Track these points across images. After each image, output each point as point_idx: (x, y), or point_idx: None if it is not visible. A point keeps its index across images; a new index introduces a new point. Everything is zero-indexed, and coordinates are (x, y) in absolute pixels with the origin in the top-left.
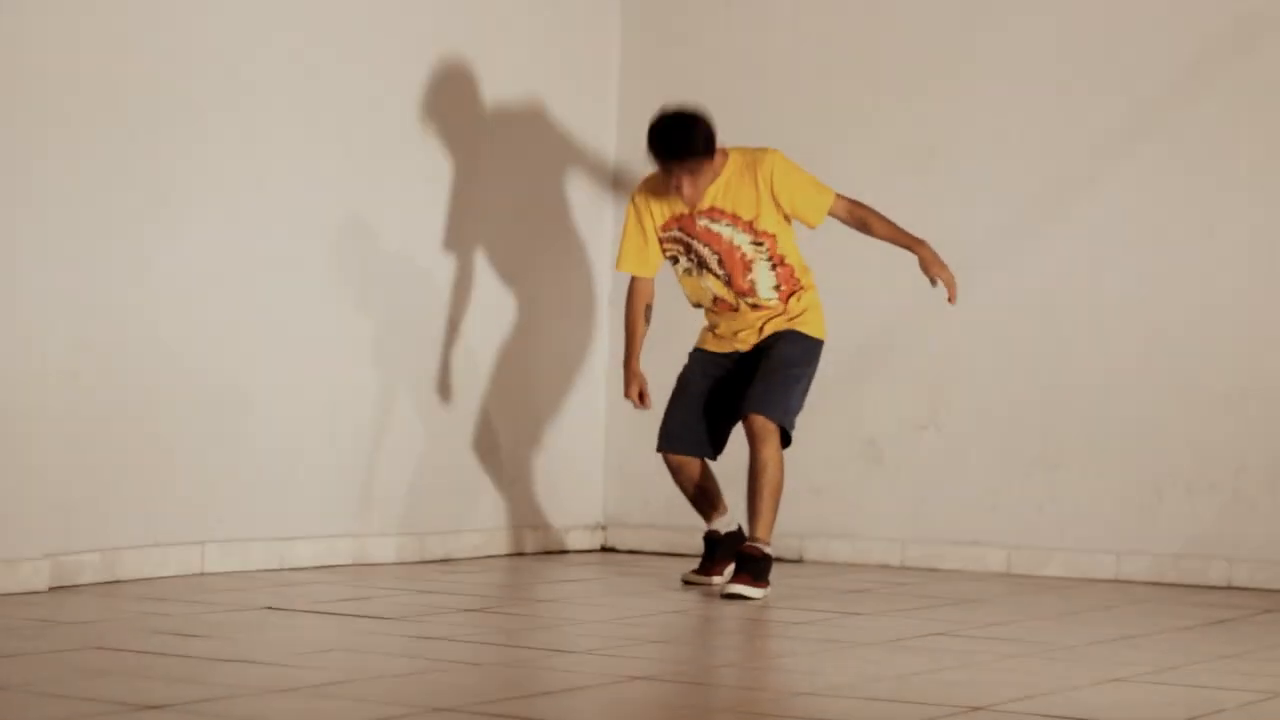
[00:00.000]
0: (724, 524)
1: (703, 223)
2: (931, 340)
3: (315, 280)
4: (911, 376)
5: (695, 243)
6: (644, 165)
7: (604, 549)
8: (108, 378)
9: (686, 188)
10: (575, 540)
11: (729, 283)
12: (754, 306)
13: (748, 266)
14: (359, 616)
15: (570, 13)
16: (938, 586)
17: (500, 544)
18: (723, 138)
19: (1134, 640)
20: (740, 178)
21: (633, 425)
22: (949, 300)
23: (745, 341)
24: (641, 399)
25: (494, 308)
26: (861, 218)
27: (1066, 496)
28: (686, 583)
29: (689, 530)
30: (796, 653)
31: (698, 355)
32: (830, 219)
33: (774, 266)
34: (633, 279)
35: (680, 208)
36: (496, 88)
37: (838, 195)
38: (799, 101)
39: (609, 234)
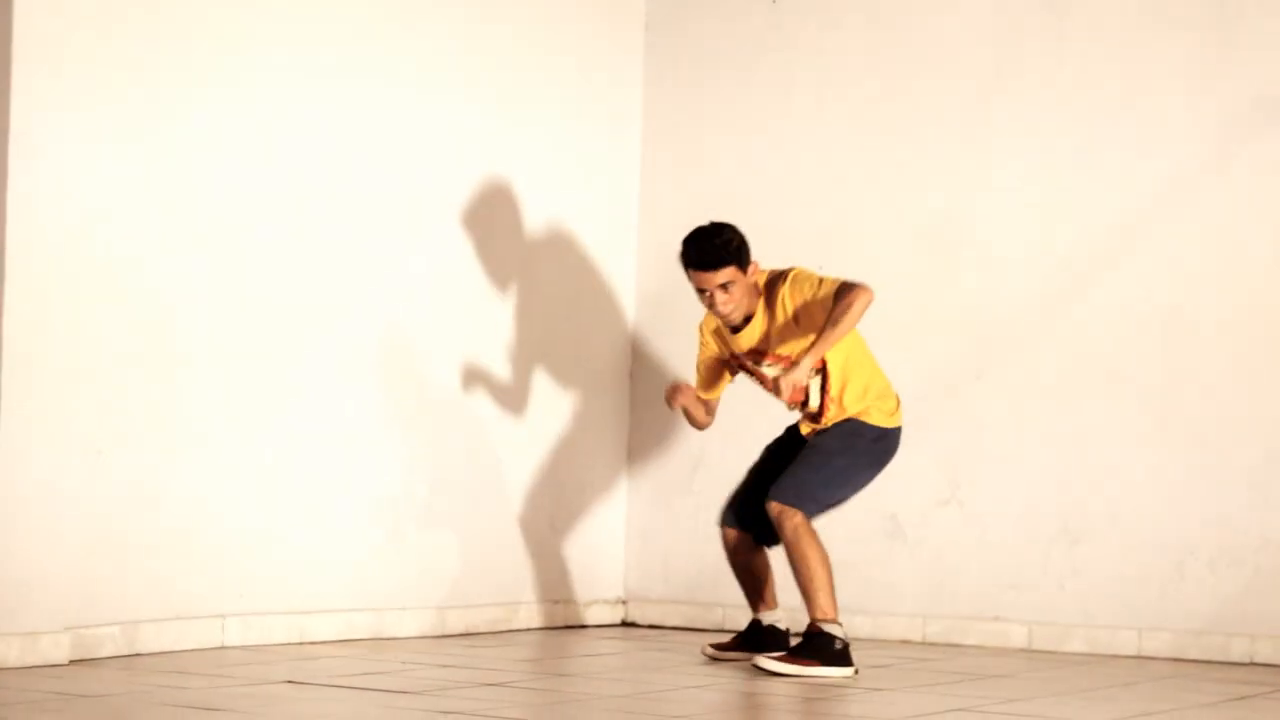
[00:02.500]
0: (770, 617)
1: (751, 361)
2: (953, 414)
3: (339, 357)
4: (933, 452)
5: (745, 373)
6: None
7: (625, 623)
8: (128, 454)
9: (718, 302)
10: (596, 615)
11: (787, 403)
12: (811, 416)
13: (778, 389)
14: (379, 691)
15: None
16: (959, 662)
17: (521, 618)
18: (752, 211)
19: (1155, 717)
20: (774, 315)
21: (654, 501)
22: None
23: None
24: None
25: (517, 385)
26: (846, 294)
27: (1088, 572)
28: (714, 656)
29: (710, 606)
30: None
31: (784, 433)
32: None
33: (816, 372)
34: None
35: (737, 345)
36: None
37: (842, 283)
38: (812, 187)
39: (631, 313)
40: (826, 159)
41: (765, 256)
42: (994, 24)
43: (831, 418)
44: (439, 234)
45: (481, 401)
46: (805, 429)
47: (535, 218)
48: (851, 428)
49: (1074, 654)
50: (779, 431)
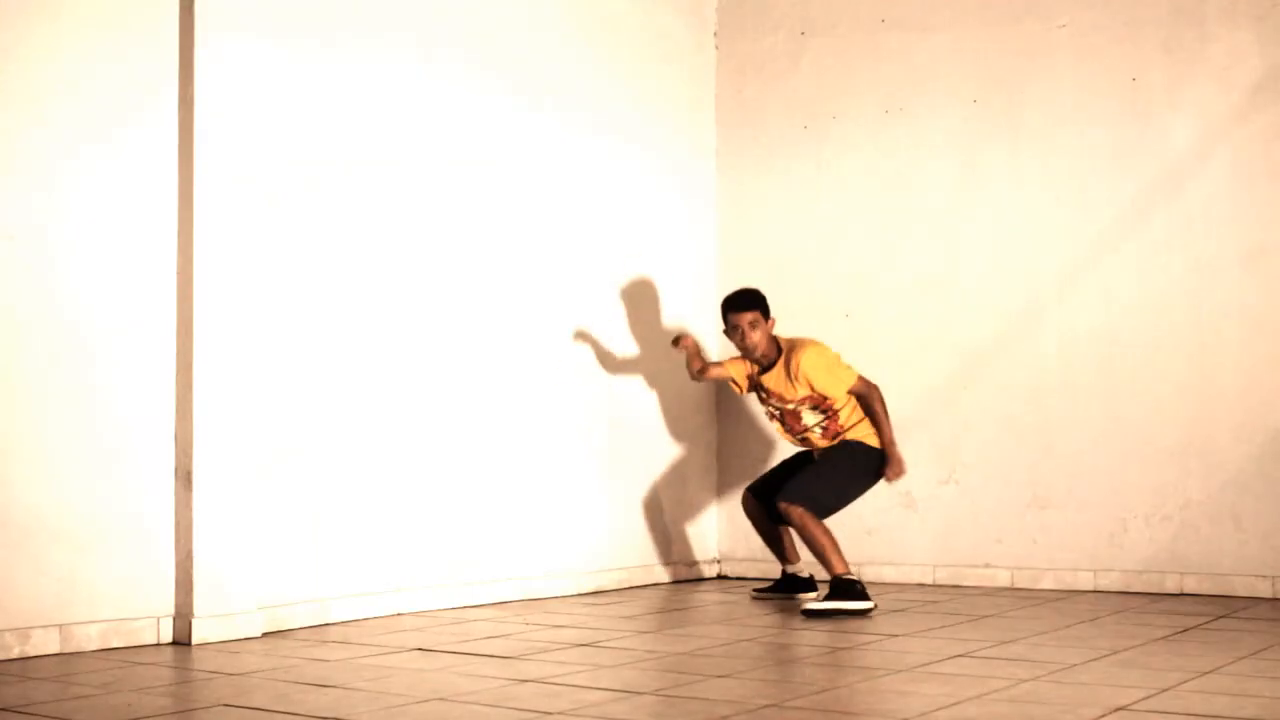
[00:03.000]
0: (797, 569)
1: (762, 393)
2: (950, 416)
3: (499, 361)
4: (936, 444)
5: (768, 406)
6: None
7: (720, 576)
8: (299, 470)
9: (746, 335)
10: (699, 571)
11: (789, 430)
12: (805, 438)
13: (798, 417)
14: (479, 656)
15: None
16: (959, 603)
17: (642, 577)
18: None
19: (1122, 655)
20: (782, 373)
21: (737, 485)
22: (888, 481)
23: (815, 447)
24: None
25: (638, 407)
26: (867, 398)
27: (1054, 529)
28: (756, 596)
29: (778, 563)
30: (839, 685)
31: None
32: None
33: (821, 413)
34: None
35: (756, 379)
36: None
37: (859, 377)
38: (840, 255)
39: (713, 345)
40: (851, 236)
41: (810, 308)
42: (965, 130)
43: (838, 437)
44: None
45: (611, 412)
46: (819, 444)
47: (645, 268)
48: (853, 448)
49: (1045, 590)
50: None
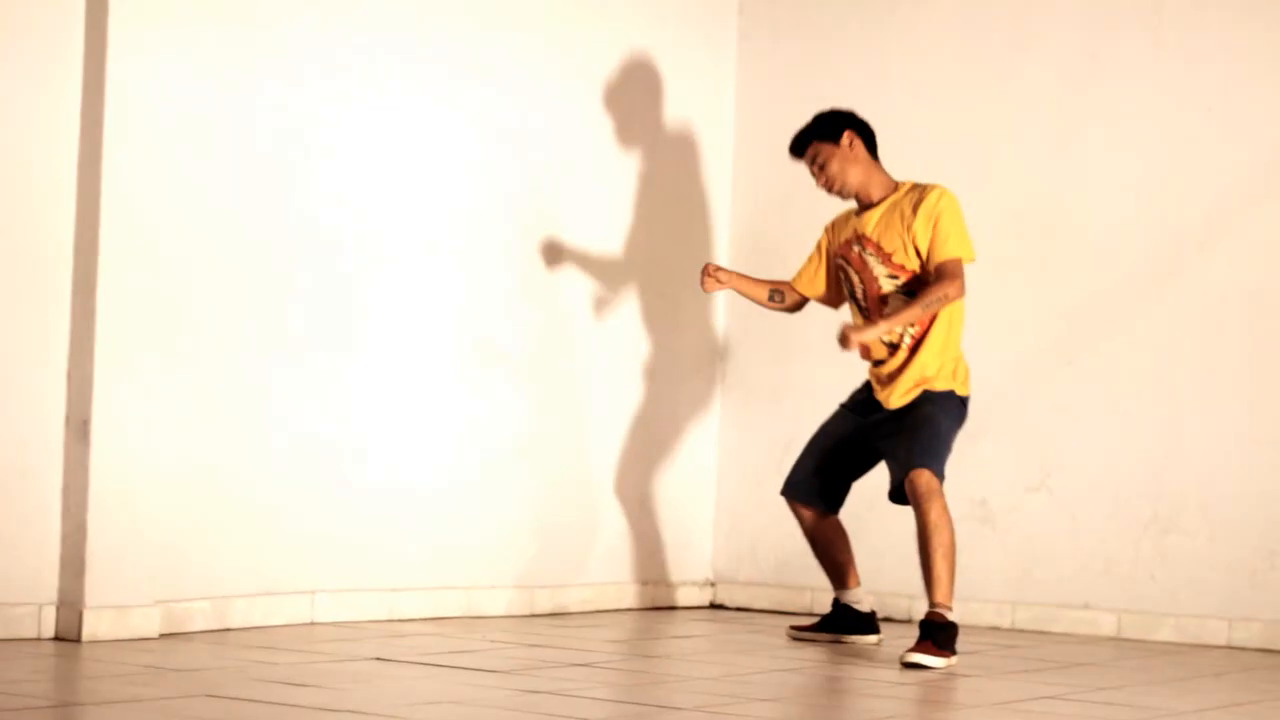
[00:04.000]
0: (855, 599)
1: (856, 249)
2: (1044, 401)
3: (426, 335)
4: (1023, 437)
5: (851, 271)
6: (754, 245)
7: (713, 605)
8: (222, 429)
9: (818, 179)
10: (685, 597)
11: (868, 317)
12: (887, 345)
13: (884, 300)
14: (468, 669)
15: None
16: (1047, 650)
17: (609, 599)
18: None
19: (1243, 708)
20: (895, 210)
21: (743, 483)
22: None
23: (886, 398)
24: (710, 275)
25: (606, 364)
26: (943, 283)
27: (1179, 561)
28: (795, 636)
29: (798, 589)
30: (905, 715)
31: (840, 410)
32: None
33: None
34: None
35: (850, 233)
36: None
37: (953, 263)
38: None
39: (721, 297)
40: (919, 148)
41: None
42: (1089, 10)
43: (907, 376)
44: (530, 225)
45: (574, 383)
46: (885, 396)
47: (628, 206)
48: (936, 396)
49: (1163, 643)
50: None
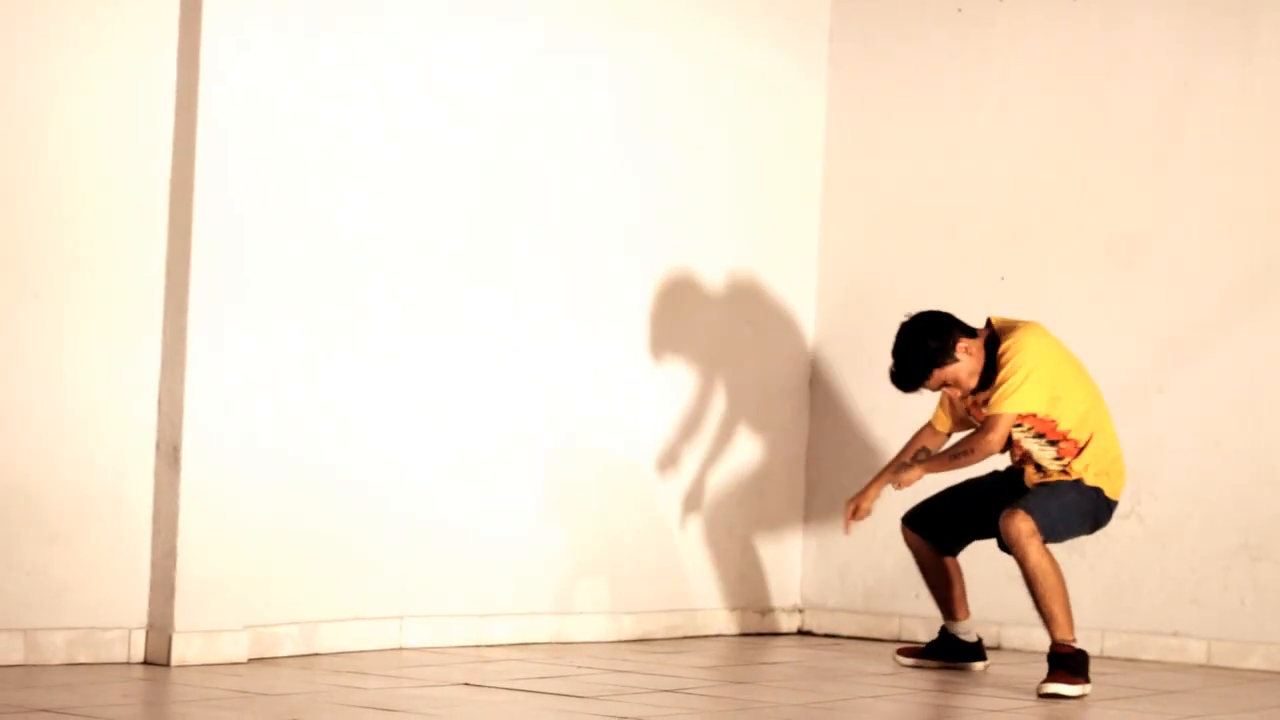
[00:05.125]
0: (962, 630)
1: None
2: (1135, 428)
3: (515, 368)
4: None
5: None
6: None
7: (801, 632)
8: (311, 454)
9: (955, 398)
10: (773, 623)
11: (1014, 459)
12: (1037, 468)
13: (1018, 444)
14: (556, 694)
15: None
16: (1137, 677)
17: (697, 625)
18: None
19: None
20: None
21: (833, 509)
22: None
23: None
24: (851, 518)
25: (694, 390)
26: (978, 433)
27: (1270, 588)
28: (904, 662)
29: (887, 615)
30: None
31: (1002, 472)
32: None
33: (1049, 443)
34: None
35: (969, 401)
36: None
37: (1003, 416)
38: (995, 197)
39: (811, 314)
40: (1011, 170)
41: (949, 265)
42: (1182, 35)
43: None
44: (626, 247)
45: (661, 411)
46: (1032, 478)
47: (715, 228)
48: (1073, 481)
49: (1253, 670)
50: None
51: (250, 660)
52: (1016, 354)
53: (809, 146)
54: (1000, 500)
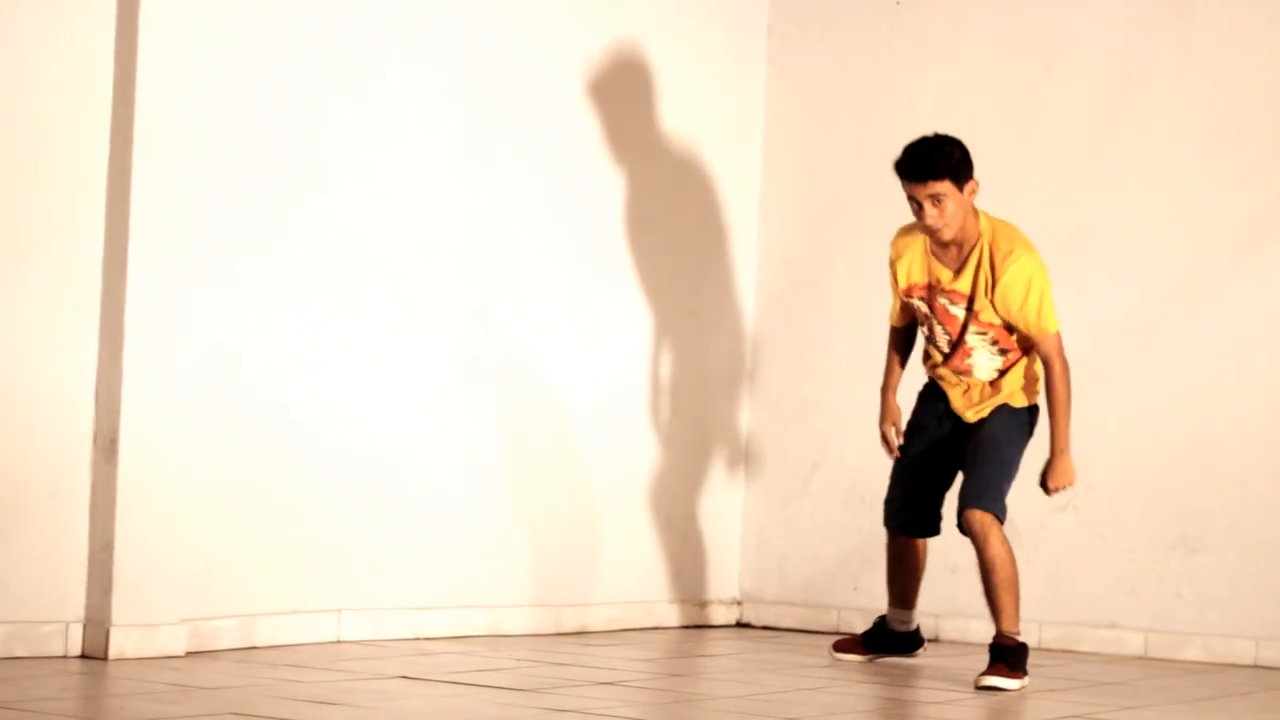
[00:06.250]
0: (901, 622)
1: (941, 300)
2: (1073, 419)
3: (453, 355)
4: None
5: (934, 320)
6: (782, 260)
7: (739, 624)
8: (249, 447)
9: (926, 213)
10: (711, 615)
11: (947, 360)
12: (960, 377)
13: (968, 352)
14: (494, 688)
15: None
16: (1074, 669)
17: (635, 618)
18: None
19: None
20: (979, 271)
21: (771, 502)
22: (1049, 491)
23: (963, 410)
24: (890, 442)
25: (634, 382)
26: (1053, 371)
27: (1206, 580)
28: (840, 656)
29: (825, 608)
30: None
31: (914, 430)
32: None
33: (1000, 351)
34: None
35: (927, 278)
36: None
37: (1057, 334)
38: None
39: (750, 306)
40: (950, 110)
41: (887, 236)
42: (1120, 26)
43: (988, 396)
44: (556, 230)
45: (598, 400)
46: (961, 407)
47: (653, 218)
48: (1009, 412)
49: (1190, 662)
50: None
51: (188, 654)
52: (1036, 271)
53: (748, 137)
54: (955, 455)
